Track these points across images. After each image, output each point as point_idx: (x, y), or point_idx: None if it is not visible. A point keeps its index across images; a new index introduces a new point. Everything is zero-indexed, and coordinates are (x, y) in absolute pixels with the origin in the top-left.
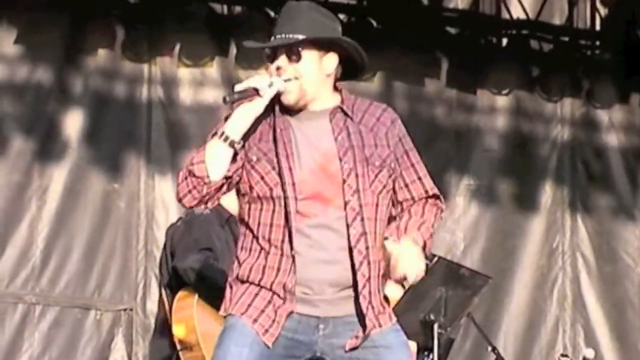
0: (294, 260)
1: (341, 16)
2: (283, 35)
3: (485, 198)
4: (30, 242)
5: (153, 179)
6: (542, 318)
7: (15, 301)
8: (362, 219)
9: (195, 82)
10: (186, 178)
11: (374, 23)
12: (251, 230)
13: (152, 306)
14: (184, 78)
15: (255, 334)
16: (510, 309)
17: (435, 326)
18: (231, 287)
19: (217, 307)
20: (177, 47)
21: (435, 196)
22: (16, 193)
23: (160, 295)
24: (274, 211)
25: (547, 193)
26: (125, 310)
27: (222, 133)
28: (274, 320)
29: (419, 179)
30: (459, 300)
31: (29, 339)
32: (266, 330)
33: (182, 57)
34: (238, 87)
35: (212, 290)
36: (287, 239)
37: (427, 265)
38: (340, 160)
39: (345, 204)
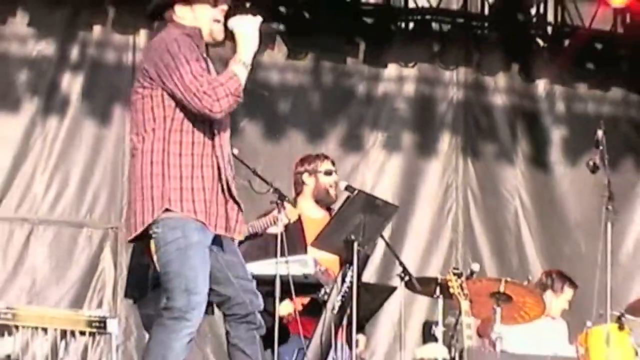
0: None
1: (281, 9)
2: None
3: (393, 147)
4: (34, 176)
5: None
6: (439, 240)
7: (22, 222)
8: None
9: None
10: (228, 96)
11: (307, 15)
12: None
13: None
14: None
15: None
16: (413, 232)
17: (355, 244)
18: None
19: None
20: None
21: None
22: (24, 139)
23: None
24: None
25: (445, 141)
26: (112, 228)
27: (245, 65)
28: None
29: None
30: (374, 224)
31: (33, 253)
32: None
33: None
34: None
35: None
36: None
37: (349, 197)
38: None
39: None
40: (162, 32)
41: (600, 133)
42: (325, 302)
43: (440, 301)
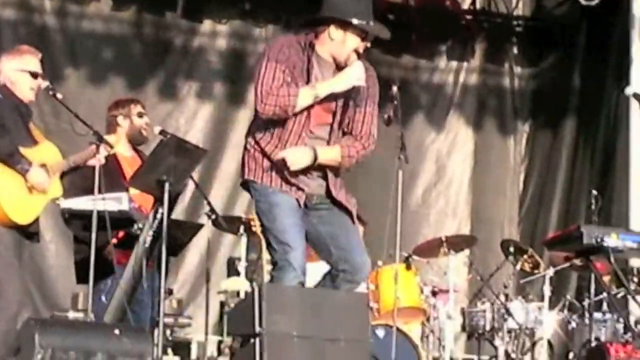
0: None
1: None
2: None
3: (206, 97)
4: None
5: None
6: None
7: None
8: None
9: None
10: (274, 107)
11: None
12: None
13: None
14: None
15: None
16: (221, 175)
17: (167, 184)
18: None
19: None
20: None
21: None
22: None
23: None
24: None
25: (252, 92)
26: None
27: (317, 96)
28: None
29: None
30: (185, 166)
31: None
32: None
33: None
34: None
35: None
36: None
37: (162, 140)
38: None
39: None
40: None
41: (395, 89)
42: (138, 236)
43: (244, 238)
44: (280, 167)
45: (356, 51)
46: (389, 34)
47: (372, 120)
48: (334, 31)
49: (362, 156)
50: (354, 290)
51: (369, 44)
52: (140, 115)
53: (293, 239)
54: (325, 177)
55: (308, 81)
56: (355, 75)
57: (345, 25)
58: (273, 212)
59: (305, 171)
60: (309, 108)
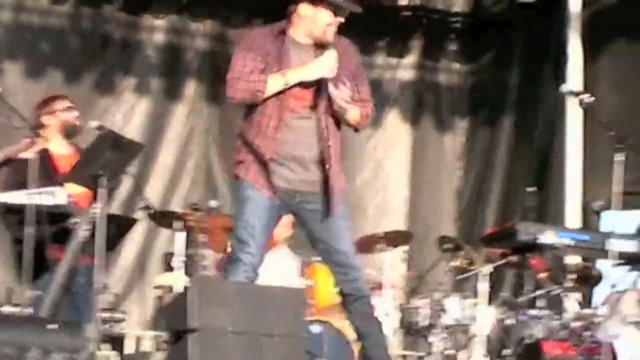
0: None
1: None
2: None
3: (143, 91)
4: None
5: None
6: (181, 177)
7: None
8: None
9: None
10: (245, 92)
11: None
12: None
13: None
14: None
15: None
16: (158, 169)
17: (103, 179)
18: None
19: None
20: None
21: None
22: None
23: None
24: None
25: (190, 88)
26: None
27: (287, 83)
28: None
29: None
30: (121, 161)
31: None
32: None
33: None
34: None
35: None
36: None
37: (99, 135)
38: None
39: None
40: None
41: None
42: (73, 231)
43: (180, 234)
44: (262, 161)
45: (329, 25)
46: (360, 8)
47: (369, 90)
48: (303, 8)
49: (370, 118)
50: (360, 288)
51: (342, 19)
52: (67, 109)
53: (252, 238)
54: (323, 169)
55: (284, 66)
56: (327, 66)
57: (314, 1)
58: (242, 207)
59: (292, 165)
60: (285, 91)
